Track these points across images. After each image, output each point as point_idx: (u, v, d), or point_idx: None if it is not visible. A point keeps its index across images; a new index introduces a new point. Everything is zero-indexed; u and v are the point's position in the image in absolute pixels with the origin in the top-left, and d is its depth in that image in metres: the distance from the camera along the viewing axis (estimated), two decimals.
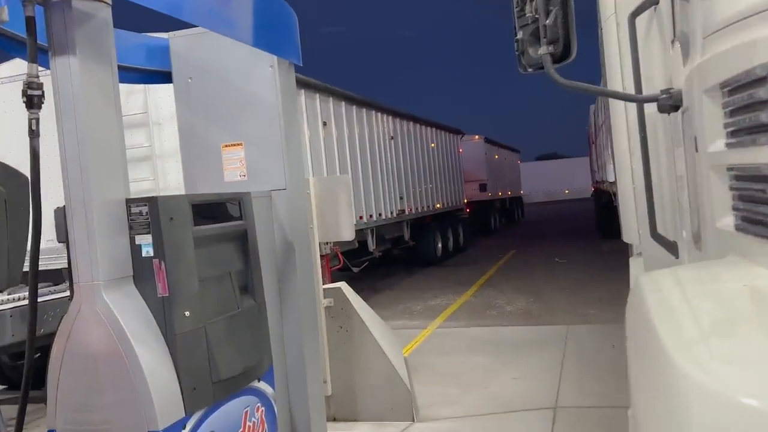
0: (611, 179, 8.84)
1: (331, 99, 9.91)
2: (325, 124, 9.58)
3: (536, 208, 41.93)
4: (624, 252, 13.43)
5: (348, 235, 5.04)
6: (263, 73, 3.93)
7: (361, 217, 10.81)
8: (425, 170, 14.99)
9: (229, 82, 4.01)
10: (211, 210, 3.40)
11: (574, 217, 30.55)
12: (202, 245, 3.09)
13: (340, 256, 9.64)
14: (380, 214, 11.74)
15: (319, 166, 9.31)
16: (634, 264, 4.87)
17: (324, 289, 5.22)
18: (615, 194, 11.17)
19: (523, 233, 23.99)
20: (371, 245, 11.46)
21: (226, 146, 4.02)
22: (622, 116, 3.48)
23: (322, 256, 9.78)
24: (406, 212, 13.36)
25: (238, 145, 3.99)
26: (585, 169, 52.94)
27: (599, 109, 13.18)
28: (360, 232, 11.19)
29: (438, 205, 15.86)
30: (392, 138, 12.75)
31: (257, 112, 3.96)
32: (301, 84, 8.95)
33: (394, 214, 12.55)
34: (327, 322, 5.17)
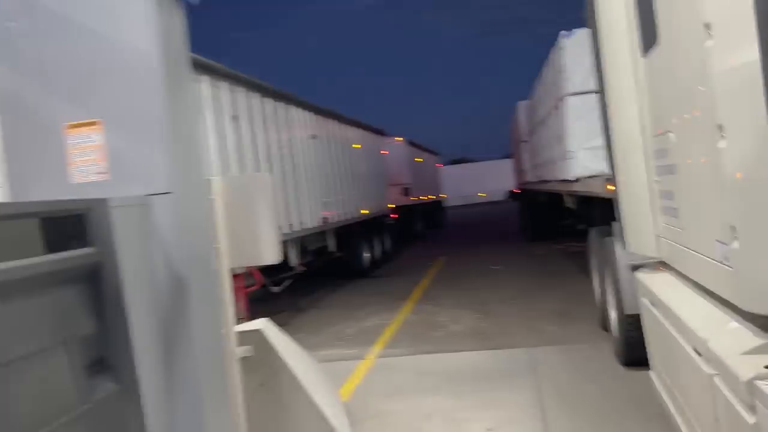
0: (564, 176, 7.90)
1: (241, 89, 8.41)
2: (235, 118, 8.07)
3: (455, 212, 41.57)
4: (556, 255, 12.52)
5: (272, 256, 3.64)
6: (132, 12, 2.49)
7: (279, 227, 9.33)
8: (350, 173, 13.68)
9: (75, 26, 2.53)
10: (44, 231, 1.97)
11: (495, 219, 30.18)
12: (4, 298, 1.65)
13: (256, 274, 8.14)
14: (302, 223, 10.30)
15: (227, 169, 7.78)
16: (651, 281, 3.80)
17: (238, 334, 3.77)
18: (573, 195, 10.35)
19: (449, 238, 23.15)
20: (293, 259, 10.01)
21: (73, 127, 2.53)
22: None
23: (234, 276, 8.27)
24: (331, 220, 11.98)
25: (92, 124, 2.52)
26: (499, 171, 54.18)
27: (537, 105, 12.36)
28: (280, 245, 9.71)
29: (364, 211, 14.58)
30: (314, 137, 11.35)
31: (123, 73, 2.51)
32: (203, 68, 7.42)
33: (318, 222, 11.14)
34: (243, 378, 3.74)
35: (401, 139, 21.92)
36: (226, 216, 3.51)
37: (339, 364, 6.92)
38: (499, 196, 52.74)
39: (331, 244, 12.38)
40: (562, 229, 17.54)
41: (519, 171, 18.48)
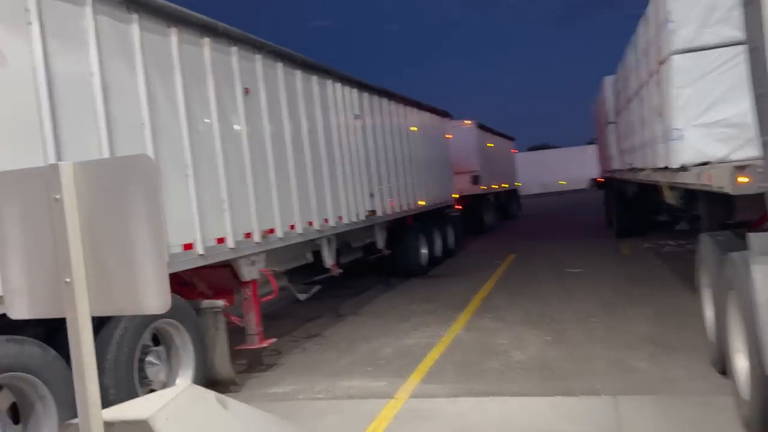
0: (664, 163, 5.98)
1: (258, 57, 6.95)
2: (247, 91, 6.63)
3: (532, 201, 39.08)
4: (646, 256, 10.36)
5: (157, 302, 2.13)
6: None
7: (311, 223, 7.88)
8: (405, 160, 12.06)
9: None
10: None
11: (576, 210, 27.75)
12: None
13: (272, 281, 6.72)
14: (340, 218, 8.81)
15: (235, 153, 6.36)
16: None
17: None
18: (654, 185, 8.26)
19: (521, 231, 21.12)
20: (328, 260, 8.54)
21: None
22: None
23: (246, 283, 6.91)
24: (379, 213, 10.44)
25: None
26: (581, 158, 50.81)
27: (628, 76, 10.29)
28: (312, 242, 8.27)
29: (421, 202, 12.94)
30: (358, 117, 9.81)
31: None
32: (204, 30, 6.01)
33: (362, 217, 9.62)
34: None
35: (470, 122, 20.06)
36: (82, 229, 2.01)
37: (359, 404, 5.39)
38: (580, 185, 49.59)
39: (380, 240, 10.84)
40: (654, 225, 15.29)
41: (604, 157, 16.27)
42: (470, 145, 19.76)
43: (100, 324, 4.74)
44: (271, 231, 6.92)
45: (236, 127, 6.44)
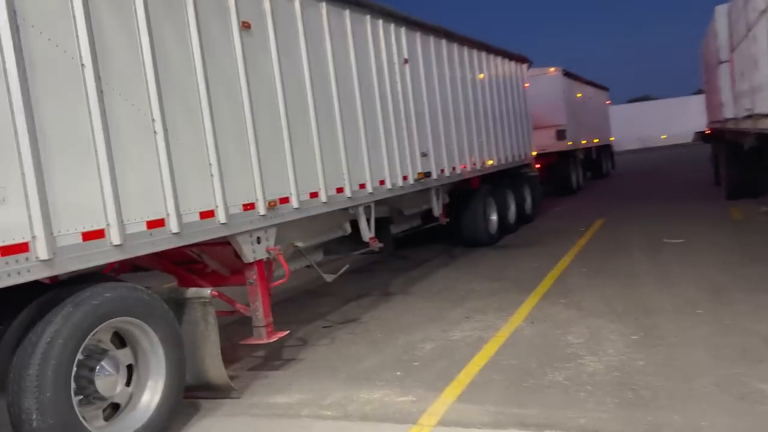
0: None
1: None
2: (245, 26, 5.32)
3: (628, 158, 35.92)
4: (765, 223, 6.88)
5: None
6: None
7: (340, 190, 6.57)
8: (468, 113, 10.44)
9: None
10: None
11: (677, 167, 24.89)
12: None
13: (283, 263, 5.50)
14: (381, 182, 7.44)
15: (229, 102, 5.10)
16: None
17: None
18: None
19: (613, 192, 18.91)
20: (365, 233, 7.22)
21: None
22: None
23: (250, 265, 5.71)
24: (434, 175, 8.97)
25: None
26: (684, 110, 46.26)
27: (741, 10, 8.16)
28: (348, 211, 7.00)
29: (490, 162, 11.31)
30: (406, 62, 8.30)
31: None
32: None
33: (410, 181, 8.20)
34: None
35: (555, 69, 17.90)
36: None
37: (368, 428, 4.11)
38: (684, 139, 45.37)
39: (437, 206, 9.38)
40: (760, 181, 12.87)
41: (712, 106, 13.83)
42: (555, 96, 17.68)
43: (25, 331, 3.69)
44: (284, 200, 5.67)
45: (231, 68, 5.16)
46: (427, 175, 8.70)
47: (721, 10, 10.59)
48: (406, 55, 8.28)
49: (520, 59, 13.49)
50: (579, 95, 20.50)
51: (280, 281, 5.64)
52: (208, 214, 4.76)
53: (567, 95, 18.53)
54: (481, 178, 10.99)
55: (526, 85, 13.85)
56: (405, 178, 8.07)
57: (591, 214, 13.48)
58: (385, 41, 7.80)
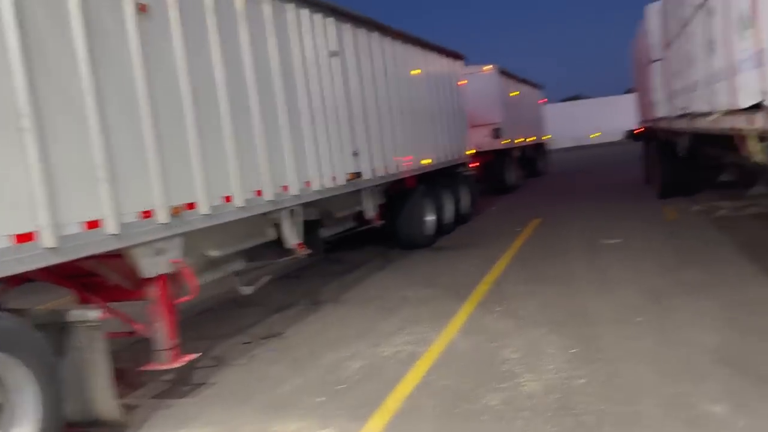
0: (751, 100, 3.89)
1: None
2: (142, 8, 4.66)
3: (562, 156, 36.54)
4: (699, 222, 7.44)
5: None
6: None
7: (259, 192, 5.99)
8: (402, 110, 10.01)
9: None
10: None
11: (610, 165, 25.34)
12: None
13: (188, 277, 4.89)
14: (307, 183, 6.90)
15: (122, 95, 4.44)
16: None
17: None
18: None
19: (548, 190, 18.95)
20: (288, 238, 6.66)
21: None
22: None
23: (149, 281, 5.05)
24: (367, 175, 8.49)
25: None
26: (615, 109, 47.57)
27: (675, 7, 8.05)
28: (267, 216, 6.41)
29: (426, 161, 10.93)
30: (336, 54, 7.77)
31: None
32: None
33: (341, 181, 7.69)
34: None
35: (490, 67, 17.75)
36: None
37: None
38: (615, 137, 46.66)
39: (370, 207, 8.91)
40: (701, 183, 13.04)
41: (645, 105, 13.92)
42: (490, 94, 17.52)
43: None
44: (191, 206, 5.05)
45: (124, 56, 4.50)
46: (359, 175, 8.21)
47: (652, 9, 10.55)
48: (334, 48, 7.75)
49: (454, 56, 13.17)
50: (514, 93, 20.48)
51: (187, 297, 5.01)
52: (94, 224, 4.10)
53: (502, 93, 18.42)
54: (417, 177, 10.59)
55: (461, 82, 13.55)
56: (334, 178, 7.56)
57: (527, 214, 13.32)
58: (312, 32, 7.24)
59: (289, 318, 7.04)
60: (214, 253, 5.75)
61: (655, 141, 13.14)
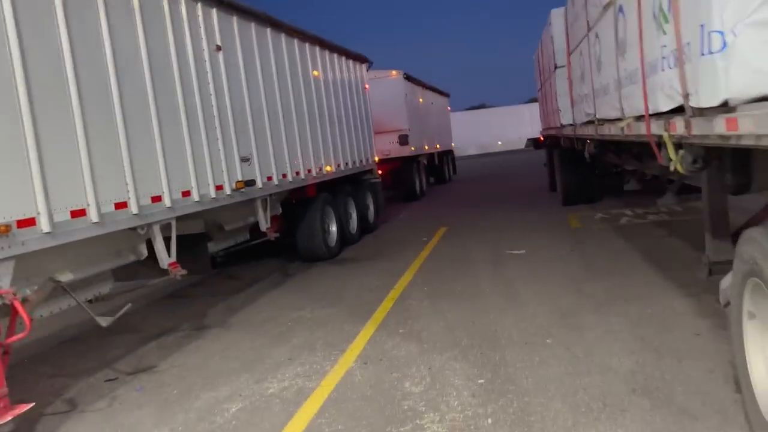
0: (666, 104, 3.52)
1: None
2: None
3: (468, 163, 37.07)
4: (603, 230, 7.44)
5: None
6: None
7: (121, 205, 5.11)
8: (302, 114, 9.32)
9: None
10: None
11: (514, 172, 25.71)
12: None
13: (20, 310, 3.98)
14: (186, 193, 6.06)
15: None
16: None
17: None
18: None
19: (455, 197, 18.80)
20: (162, 257, 5.79)
21: None
22: None
23: None
24: (261, 184, 7.72)
25: None
26: (518, 118, 49.04)
27: (581, 8, 7.85)
28: (136, 231, 5.53)
29: (329, 168, 10.28)
30: (219, 49, 6.98)
31: None
32: None
33: (228, 191, 6.89)
34: None
35: (396, 72, 17.37)
36: None
37: None
38: (518, 145, 48.14)
39: (264, 219, 8.13)
40: (604, 190, 13.18)
41: (548, 112, 13.94)
42: (397, 100, 17.15)
43: None
44: (28, 222, 4.13)
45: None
46: (250, 183, 7.43)
47: (557, 13, 10.44)
48: (218, 42, 6.95)
49: (359, 59, 12.62)
50: (421, 100, 20.25)
51: (17, 336, 4.08)
52: None
53: (409, 99, 18.11)
54: (318, 185, 9.91)
55: (367, 86, 13.02)
56: (220, 187, 6.75)
57: (434, 222, 12.96)
58: (190, 23, 6.42)
59: (166, 347, 6.17)
60: (65, 277, 4.82)
61: (559, 149, 13.13)
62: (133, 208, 5.19)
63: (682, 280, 6.33)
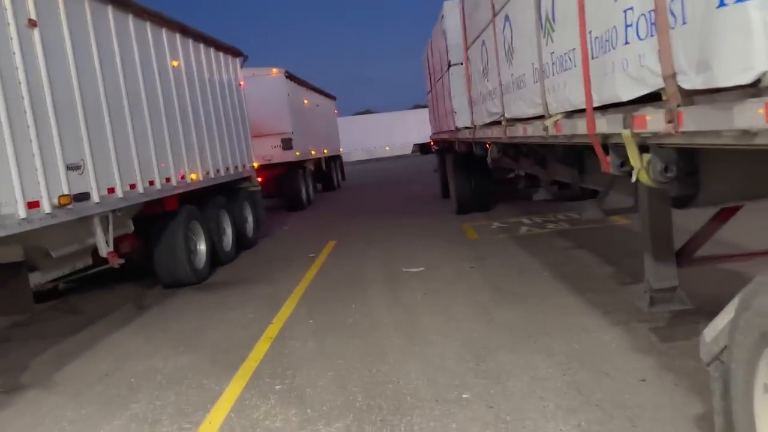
0: (612, 97, 2.56)
1: None
2: None
3: (357, 168, 36.19)
4: (503, 241, 6.64)
5: None
6: None
7: None
8: (156, 111, 7.75)
9: None
10: None
11: (404, 178, 25.03)
12: None
13: None
14: None
15: None
16: None
17: None
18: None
19: (344, 206, 17.65)
20: None
21: None
22: None
23: None
24: (96, 198, 6.12)
25: None
26: (405, 123, 49.04)
27: (475, 5, 6.97)
28: None
29: (194, 176, 8.75)
30: (34, 25, 5.34)
31: None
32: None
33: (47, 209, 5.26)
34: None
35: (277, 70, 15.96)
36: None
37: None
38: (405, 150, 48.15)
39: (104, 241, 6.49)
40: (497, 197, 12.59)
41: (441, 115, 13.13)
42: (279, 101, 15.74)
43: None
44: None
45: None
46: (81, 198, 5.82)
47: (450, 5, 9.58)
48: (32, 15, 5.31)
49: (231, 51, 11.14)
50: (306, 101, 18.96)
51: None
52: None
53: (292, 100, 16.76)
54: (181, 197, 8.35)
55: (242, 83, 11.55)
56: (35, 204, 5.12)
57: (322, 235, 11.73)
58: None
59: None
60: None
61: (452, 154, 12.35)
62: None
63: (603, 304, 5.54)
